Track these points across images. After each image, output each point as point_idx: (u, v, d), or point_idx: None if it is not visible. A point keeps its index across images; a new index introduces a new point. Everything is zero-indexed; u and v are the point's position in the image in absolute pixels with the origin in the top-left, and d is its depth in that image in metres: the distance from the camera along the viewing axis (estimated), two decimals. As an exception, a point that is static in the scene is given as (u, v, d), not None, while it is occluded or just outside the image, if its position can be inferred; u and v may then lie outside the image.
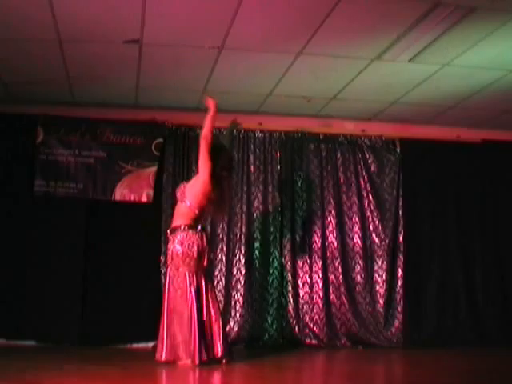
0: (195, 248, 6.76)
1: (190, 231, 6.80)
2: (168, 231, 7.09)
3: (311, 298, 9.00)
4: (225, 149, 7.29)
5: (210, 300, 6.84)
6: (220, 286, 8.66)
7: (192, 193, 6.86)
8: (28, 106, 8.50)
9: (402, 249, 9.22)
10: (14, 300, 8.27)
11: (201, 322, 6.66)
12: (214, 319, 6.79)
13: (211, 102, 7.03)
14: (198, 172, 7.03)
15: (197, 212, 6.86)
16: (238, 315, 8.69)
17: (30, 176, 8.54)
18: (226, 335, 6.98)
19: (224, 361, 6.69)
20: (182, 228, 6.81)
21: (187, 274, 6.74)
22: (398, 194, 9.35)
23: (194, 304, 6.66)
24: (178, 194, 7.02)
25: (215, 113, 6.99)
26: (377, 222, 9.28)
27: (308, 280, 9.05)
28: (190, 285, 6.73)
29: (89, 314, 8.43)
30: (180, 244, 6.78)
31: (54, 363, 6.68)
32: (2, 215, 8.45)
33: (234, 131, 8.17)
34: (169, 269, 6.92)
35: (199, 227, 6.90)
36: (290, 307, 8.92)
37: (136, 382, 5.88)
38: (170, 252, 6.90)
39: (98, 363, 6.76)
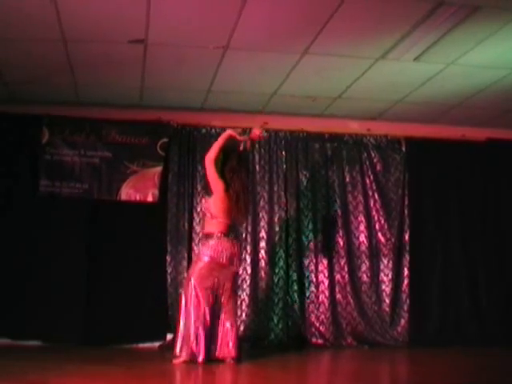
0: (225, 254, 6.97)
1: (224, 238, 7.02)
2: (202, 235, 7.43)
3: (317, 297, 9.00)
4: (233, 151, 7.32)
5: (231, 304, 7.04)
6: (226, 286, 8.67)
7: (217, 210, 7.07)
8: (33, 106, 8.51)
9: (407, 248, 9.22)
10: (19, 300, 8.27)
11: (210, 324, 6.88)
12: (228, 322, 6.95)
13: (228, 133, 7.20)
14: (211, 191, 7.23)
15: (229, 222, 7.11)
16: (244, 314, 8.69)
17: (35, 176, 8.56)
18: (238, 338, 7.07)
19: (232, 361, 6.78)
20: (216, 235, 7.01)
21: (207, 278, 6.95)
22: (404, 193, 9.34)
23: (203, 307, 6.87)
24: (204, 209, 7.30)
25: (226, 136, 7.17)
26: (382, 221, 9.28)
27: (314, 279, 9.04)
28: (207, 289, 6.93)
29: (93, 314, 8.43)
30: (211, 249, 6.98)
31: (58, 363, 6.69)
32: (8, 215, 8.47)
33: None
34: (194, 269, 7.08)
35: (232, 235, 7.15)
36: (296, 306, 8.92)
37: (139, 382, 5.90)
38: (200, 254, 7.14)
39: (102, 363, 6.78)
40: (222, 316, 6.95)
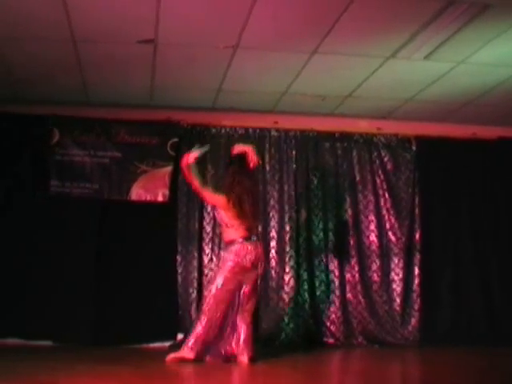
0: (249, 258, 6.95)
1: (246, 242, 6.99)
2: (224, 243, 7.47)
3: (328, 296, 8.98)
4: (235, 156, 7.34)
5: (249, 305, 7.02)
6: (236, 286, 8.67)
7: (229, 219, 7.05)
8: (43, 106, 8.53)
9: (418, 247, 9.18)
10: (29, 300, 8.29)
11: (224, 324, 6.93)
12: (244, 324, 6.95)
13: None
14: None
15: (247, 226, 7.04)
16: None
17: (46, 176, 8.58)
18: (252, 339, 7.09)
19: (245, 361, 6.80)
20: (237, 241, 6.99)
21: (231, 281, 6.93)
22: (414, 192, 9.32)
23: (223, 308, 6.89)
24: (219, 220, 7.38)
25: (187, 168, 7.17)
26: (393, 221, 9.25)
27: (324, 278, 9.03)
28: (229, 291, 6.93)
29: (103, 314, 8.42)
30: (234, 254, 6.96)
31: (68, 363, 6.69)
32: (18, 215, 8.48)
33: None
34: (218, 275, 7.05)
35: (254, 238, 7.09)
36: (307, 306, 8.90)
37: (149, 381, 5.90)
38: (224, 260, 7.08)
39: (113, 363, 6.76)
40: (239, 317, 6.94)
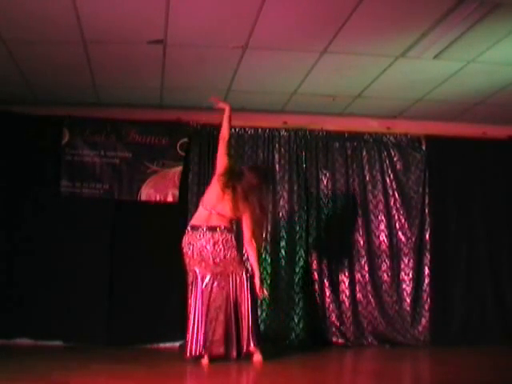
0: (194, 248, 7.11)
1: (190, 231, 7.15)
2: None
3: (337, 296, 8.97)
4: (250, 171, 7.39)
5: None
6: (246, 285, 8.66)
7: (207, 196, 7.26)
8: (53, 107, 8.57)
9: (428, 247, 9.16)
10: (41, 300, 8.31)
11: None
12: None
13: (222, 103, 7.39)
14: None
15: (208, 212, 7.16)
16: (264, 314, 8.67)
17: (56, 177, 8.61)
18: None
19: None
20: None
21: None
22: (424, 191, 9.30)
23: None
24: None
25: (230, 111, 7.33)
26: (403, 220, 9.24)
27: (334, 278, 9.02)
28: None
29: (115, 314, 8.45)
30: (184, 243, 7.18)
31: (81, 363, 6.70)
32: (29, 216, 8.51)
33: None
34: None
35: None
36: (317, 306, 8.90)
37: (162, 381, 5.91)
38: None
39: (125, 363, 6.80)
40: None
